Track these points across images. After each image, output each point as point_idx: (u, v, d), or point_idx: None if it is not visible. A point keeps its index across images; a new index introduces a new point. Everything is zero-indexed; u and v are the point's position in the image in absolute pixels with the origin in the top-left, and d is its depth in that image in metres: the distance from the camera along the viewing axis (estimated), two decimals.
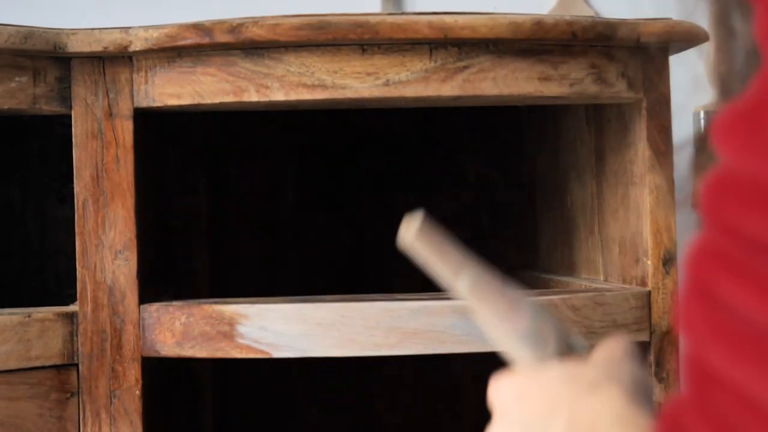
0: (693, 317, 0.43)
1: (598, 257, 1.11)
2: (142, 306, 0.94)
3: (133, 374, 0.94)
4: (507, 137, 1.43)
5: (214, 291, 1.40)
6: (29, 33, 0.91)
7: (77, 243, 0.94)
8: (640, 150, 1.00)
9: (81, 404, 0.93)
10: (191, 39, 0.91)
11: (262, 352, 0.92)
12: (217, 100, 0.93)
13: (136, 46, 0.92)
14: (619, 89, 0.97)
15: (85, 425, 0.93)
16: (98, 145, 0.94)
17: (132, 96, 0.94)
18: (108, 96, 0.94)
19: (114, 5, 1.51)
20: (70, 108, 0.94)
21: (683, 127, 1.55)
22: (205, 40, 0.91)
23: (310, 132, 1.42)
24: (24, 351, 0.91)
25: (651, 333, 0.98)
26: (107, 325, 0.94)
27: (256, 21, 0.90)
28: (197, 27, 0.91)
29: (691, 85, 1.62)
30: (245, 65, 0.92)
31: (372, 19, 0.90)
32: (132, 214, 0.94)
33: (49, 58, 0.93)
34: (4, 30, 0.90)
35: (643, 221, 1.00)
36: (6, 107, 0.92)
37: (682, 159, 1.55)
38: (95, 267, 0.94)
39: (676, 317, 0.46)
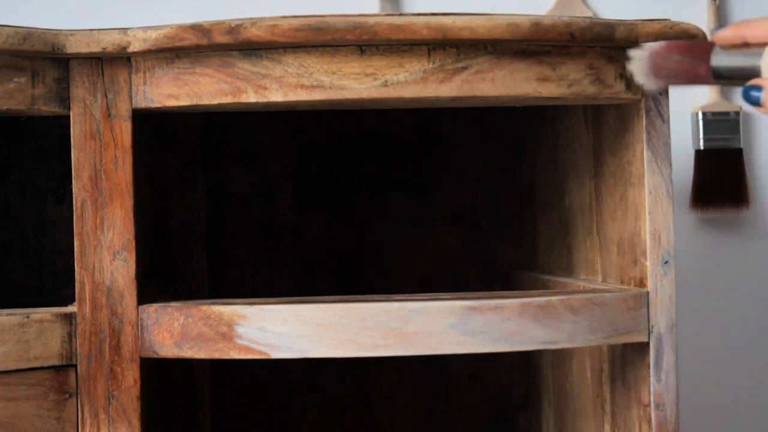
0: None
1: (597, 258, 1.11)
2: (140, 307, 0.94)
3: (131, 375, 0.94)
4: (505, 138, 1.43)
5: (213, 291, 1.40)
6: (27, 34, 0.91)
7: (76, 244, 0.94)
8: (639, 151, 1.00)
9: (79, 405, 0.93)
10: (190, 40, 0.91)
11: (260, 352, 0.92)
12: (215, 101, 0.93)
13: (135, 47, 0.92)
14: (617, 90, 0.97)
15: (83, 426, 0.93)
16: (97, 146, 0.94)
17: (130, 97, 0.94)
18: (106, 97, 0.94)
19: (112, 6, 1.51)
20: (69, 109, 0.94)
21: (682, 127, 1.55)
22: (204, 41, 0.91)
23: (309, 133, 1.42)
24: (22, 351, 0.91)
25: (649, 334, 0.98)
26: (105, 326, 0.94)
27: (254, 22, 0.90)
28: (195, 28, 0.91)
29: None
30: (243, 66, 0.92)
31: (370, 20, 0.90)
32: (131, 214, 0.94)
33: (48, 59, 0.93)
34: (2, 31, 0.90)
35: (641, 222, 1.00)
36: (5, 108, 0.92)
37: (681, 159, 1.55)
38: (94, 268, 0.94)
39: None
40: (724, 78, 0.93)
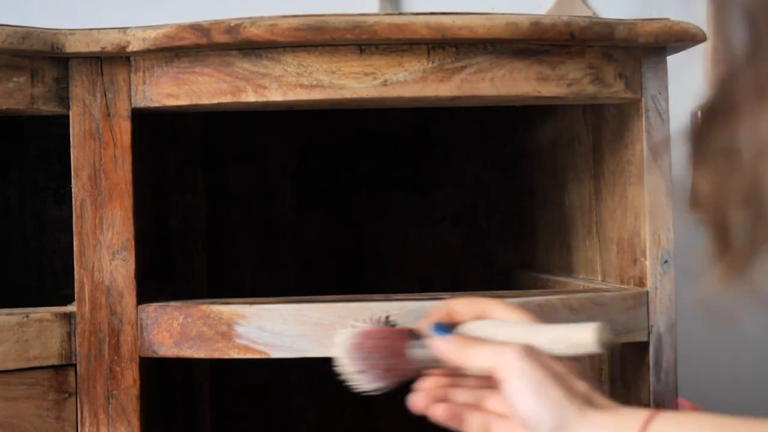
0: None
1: (596, 257, 1.11)
2: (139, 306, 0.94)
3: (130, 375, 0.94)
4: (505, 138, 1.43)
5: (212, 291, 1.40)
6: (27, 33, 0.91)
7: (75, 243, 0.94)
8: (638, 150, 1.00)
9: (79, 404, 0.93)
10: (189, 39, 0.91)
11: (260, 352, 0.92)
12: (214, 101, 0.93)
13: (134, 46, 0.92)
14: (616, 89, 0.97)
15: (83, 425, 0.93)
16: (96, 146, 0.94)
17: (130, 96, 0.94)
18: (106, 96, 0.94)
19: (112, 6, 1.51)
20: (68, 108, 0.94)
21: (681, 127, 1.55)
22: (203, 41, 0.91)
23: (309, 132, 1.42)
24: (22, 351, 0.91)
25: (649, 333, 0.98)
26: (105, 326, 0.94)
27: (253, 21, 0.90)
28: (195, 27, 0.91)
29: (689, 84, 1.62)
30: (243, 65, 0.92)
31: (370, 19, 0.90)
32: (130, 214, 0.94)
33: (47, 59, 0.93)
34: (1, 30, 0.90)
35: (641, 221, 1.00)
36: (4, 108, 0.92)
37: (680, 159, 1.55)
38: (93, 267, 0.94)
39: None
40: (423, 365, 0.85)
